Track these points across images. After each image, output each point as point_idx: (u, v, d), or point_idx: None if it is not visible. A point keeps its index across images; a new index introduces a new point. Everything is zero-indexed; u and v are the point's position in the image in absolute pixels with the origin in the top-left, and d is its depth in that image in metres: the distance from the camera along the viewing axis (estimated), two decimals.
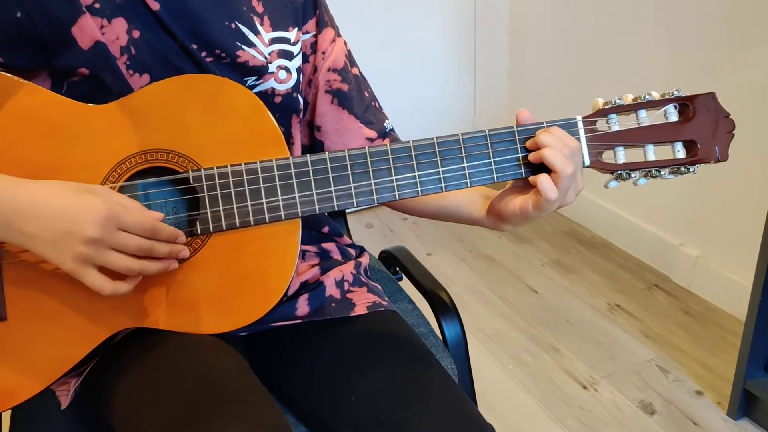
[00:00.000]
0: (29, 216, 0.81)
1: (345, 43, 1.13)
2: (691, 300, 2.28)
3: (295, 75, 1.05)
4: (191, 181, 0.91)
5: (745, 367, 1.71)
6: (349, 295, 1.10)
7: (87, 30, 0.91)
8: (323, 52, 1.10)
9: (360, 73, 1.15)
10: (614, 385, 1.95)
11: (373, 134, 1.13)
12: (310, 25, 1.08)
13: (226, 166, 0.90)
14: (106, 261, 0.83)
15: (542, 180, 0.88)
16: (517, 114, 0.93)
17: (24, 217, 0.81)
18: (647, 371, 1.99)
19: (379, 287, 1.18)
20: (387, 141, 1.14)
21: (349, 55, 1.13)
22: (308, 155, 0.91)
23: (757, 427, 1.77)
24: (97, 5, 0.92)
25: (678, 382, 1.94)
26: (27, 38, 0.91)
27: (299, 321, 1.05)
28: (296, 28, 1.05)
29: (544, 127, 0.92)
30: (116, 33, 0.93)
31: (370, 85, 1.17)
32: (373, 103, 1.15)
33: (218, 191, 0.91)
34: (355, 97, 1.12)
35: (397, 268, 1.39)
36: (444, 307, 1.23)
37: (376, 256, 1.44)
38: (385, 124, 1.15)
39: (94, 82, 0.94)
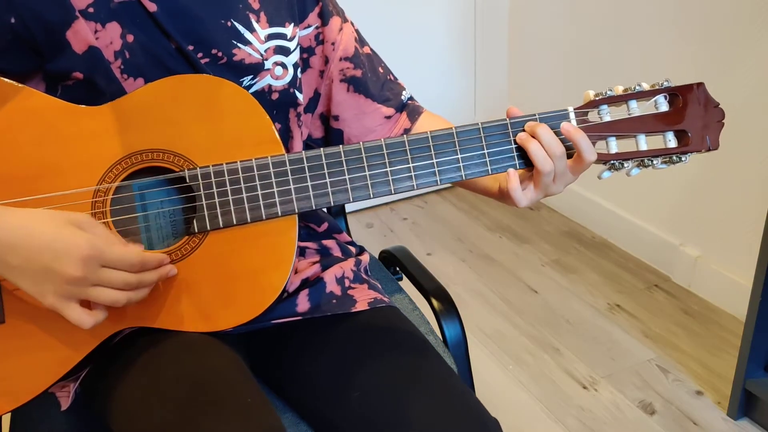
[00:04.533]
0: (14, 247, 0.80)
1: (352, 24, 1.13)
2: (691, 300, 2.27)
3: (291, 71, 1.05)
4: (187, 180, 0.91)
5: (745, 367, 1.71)
6: (350, 292, 1.11)
7: (81, 34, 0.91)
8: (333, 43, 1.09)
9: (371, 50, 1.15)
10: (614, 385, 1.94)
11: (390, 111, 1.13)
12: (312, 18, 1.08)
13: (221, 165, 0.91)
14: (89, 296, 0.83)
15: (510, 175, 0.94)
16: (507, 111, 0.95)
17: (8, 248, 0.80)
18: (647, 371, 1.99)
19: (379, 285, 1.18)
20: (405, 114, 1.14)
21: (358, 37, 1.13)
22: (303, 151, 0.91)
23: (757, 427, 1.77)
24: (90, 10, 0.92)
25: (678, 382, 1.94)
26: (21, 43, 0.91)
27: (300, 318, 1.05)
28: (292, 24, 1.05)
29: (536, 118, 0.94)
30: (110, 37, 0.93)
31: (381, 59, 1.17)
32: (388, 78, 1.16)
33: (214, 189, 0.91)
34: (370, 78, 1.12)
35: (397, 268, 1.39)
36: (444, 307, 1.23)
37: (376, 256, 1.44)
38: (402, 97, 1.15)
39: (89, 85, 0.94)
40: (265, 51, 1.01)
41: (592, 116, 0.94)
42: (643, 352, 2.06)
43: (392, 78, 1.16)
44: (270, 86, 1.03)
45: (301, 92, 1.08)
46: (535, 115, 0.93)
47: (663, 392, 1.91)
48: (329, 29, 1.09)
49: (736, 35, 1.97)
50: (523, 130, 0.94)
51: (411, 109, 1.15)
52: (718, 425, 1.79)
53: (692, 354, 2.04)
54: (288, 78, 1.04)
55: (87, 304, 0.85)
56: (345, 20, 1.12)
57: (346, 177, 0.92)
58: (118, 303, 0.85)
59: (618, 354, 2.06)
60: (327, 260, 1.13)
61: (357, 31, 1.14)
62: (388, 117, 1.13)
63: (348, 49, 1.10)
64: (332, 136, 1.14)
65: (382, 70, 1.15)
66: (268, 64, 1.02)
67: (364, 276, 1.16)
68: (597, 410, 1.86)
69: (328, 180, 0.91)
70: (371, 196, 0.92)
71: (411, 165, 0.92)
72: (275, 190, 0.91)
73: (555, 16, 2.65)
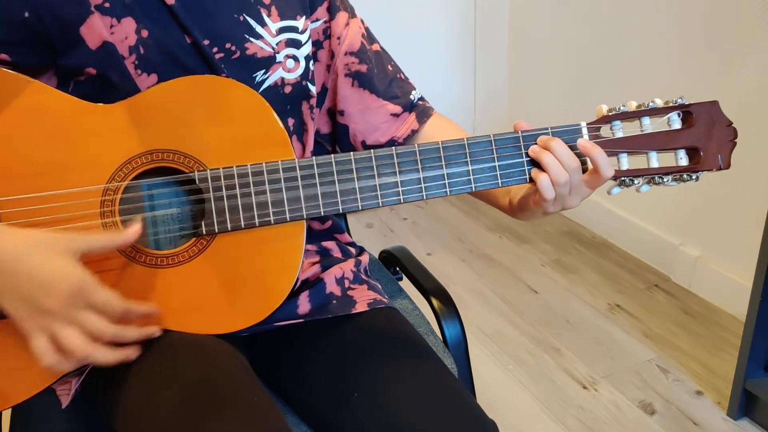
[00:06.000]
0: (2, 270, 0.80)
1: (362, 22, 1.13)
2: (691, 300, 2.28)
3: (303, 63, 1.05)
4: (197, 182, 0.91)
5: (745, 367, 1.71)
6: (349, 293, 1.11)
7: (95, 30, 0.92)
8: (338, 38, 1.09)
9: (381, 48, 1.15)
10: (614, 385, 1.95)
11: (397, 109, 1.12)
12: (321, 12, 1.08)
13: (231, 167, 0.91)
14: (58, 333, 0.82)
15: (541, 179, 0.92)
16: (515, 125, 0.94)
17: None
18: (647, 371, 2.00)
19: (379, 286, 1.18)
20: (414, 114, 1.13)
21: (366, 34, 1.13)
22: (314, 157, 0.91)
23: (757, 427, 1.78)
24: (107, 5, 0.92)
25: (678, 382, 1.95)
26: (35, 38, 0.91)
27: (301, 320, 1.05)
28: (304, 17, 1.05)
29: (548, 132, 0.93)
30: (125, 32, 0.93)
31: (392, 57, 1.16)
32: (398, 76, 1.15)
33: (224, 192, 0.91)
34: (377, 75, 1.12)
35: (397, 268, 1.39)
36: (444, 307, 1.23)
37: (376, 256, 1.44)
38: (411, 96, 1.14)
39: (101, 81, 0.94)
40: (277, 44, 1.02)
41: (605, 131, 0.93)
42: (643, 352, 2.07)
43: (402, 77, 1.15)
44: (282, 79, 1.03)
45: (314, 84, 1.08)
46: (547, 128, 0.93)
47: (663, 392, 1.91)
48: (336, 23, 1.09)
49: (737, 37, 1.97)
50: (536, 143, 0.93)
51: (421, 110, 1.14)
52: (718, 425, 1.80)
53: (692, 354, 2.05)
54: (300, 70, 1.04)
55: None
56: (353, 16, 1.12)
57: (356, 185, 0.92)
58: (78, 352, 0.83)
59: (618, 354, 2.07)
60: (327, 261, 1.13)
61: (367, 28, 1.14)
62: (395, 115, 1.12)
63: (354, 44, 1.10)
64: (339, 132, 1.13)
65: (391, 68, 1.15)
66: (279, 57, 1.02)
67: (363, 277, 1.16)
68: (597, 410, 1.87)
69: (337, 188, 0.91)
70: (380, 204, 0.92)
71: (421, 176, 0.92)
72: (284, 195, 0.91)
73: (555, 17, 2.65)
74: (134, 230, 0.87)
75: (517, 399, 1.93)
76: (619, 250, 2.57)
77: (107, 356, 0.86)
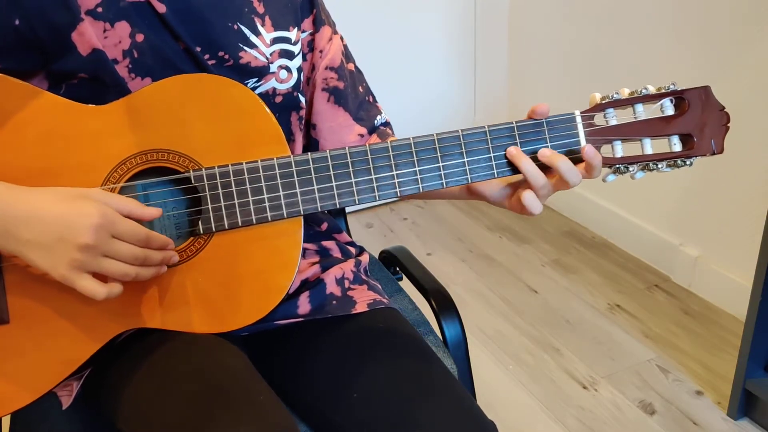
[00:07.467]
0: (26, 221, 0.81)
1: (341, 39, 1.14)
2: (691, 300, 2.28)
3: (295, 74, 1.05)
4: (192, 181, 0.91)
5: (745, 367, 1.71)
6: (349, 293, 1.11)
7: (86, 37, 0.91)
8: (321, 51, 1.10)
9: (355, 67, 1.16)
10: (614, 385, 1.95)
11: (363, 131, 1.14)
12: (307, 23, 1.09)
13: (227, 165, 0.90)
14: (100, 267, 0.84)
15: (528, 200, 0.92)
16: (537, 108, 0.93)
17: (21, 222, 0.81)
18: (647, 371, 1.99)
19: (379, 286, 1.18)
20: (375, 136, 1.14)
21: (345, 51, 1.14)
22: (309, 153, 0.91)
23: (757, 427, 1.78)
24: (99, 9, 0.92)
25: (678, 382, 1.94)
26: (26, 44, 0.91)
27: (301, 320, 1.05)
28: (296, 28, 1.06)
29: (543, 123, 0.93)
30: (119, 37, 0.93)
31: (365, 78, 1.17)
32: (367, 98, 1.16)
33: (220, 190, 0.91)
34: (350, 93, 1.13)
35: (397, 268, 1.39)
36: (444, 307, 1.23)
37: (376, 256, 1.44)
38: (375, 120, 1.15)
39: (94, 84, 0.94)
40: (271, 54, 1.02)
41: (598, 119, 0.94)
42: (643, 352, 2.07)
43: (370, 100, 1.17)
44: (274, 89, 1.03)
45: (304, 96, 1.08)
46: (542, 120, 0.93)
47: (663, 392, 1.91)
48: (320, 36, 1.10)
49: (736, 35, 1.97)
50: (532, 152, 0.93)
51: (381, 134, 1.15)
52: (718, 425, 1.80)
53: (692, 354, 2.05)
54: (292, 81, 1.05)
55: (99, 278, 0.85)
56: (335, 32, 1.13)
57: (352, 180, 0.91)
58: (128, 276, 0.85)
59: (618, 354, 2.07)
60: (327, 261, 1.13)
61: (345, 46, 1.15)
62: (361, 135, 1.14)
63: (334, 60, 1.11)
64: (310, 145, 1.15)
65: (362, 89, 1.16)
66: (273, 68, 1.02)
67: (363, 277, 1.16)
68: (597, 410, 1.87)
69: (333, 182, 0.91)
70: (377, 198, 0.92)
71: (417, 168, 0.92)
72: (281, 192, 0.91)
73: (555, 16, 2.65)
74: (155, 210, 0.89)
75: (517, 399, 1.93)
76: (619, 250, 2.57)
77: (150, 271, 0.88)
